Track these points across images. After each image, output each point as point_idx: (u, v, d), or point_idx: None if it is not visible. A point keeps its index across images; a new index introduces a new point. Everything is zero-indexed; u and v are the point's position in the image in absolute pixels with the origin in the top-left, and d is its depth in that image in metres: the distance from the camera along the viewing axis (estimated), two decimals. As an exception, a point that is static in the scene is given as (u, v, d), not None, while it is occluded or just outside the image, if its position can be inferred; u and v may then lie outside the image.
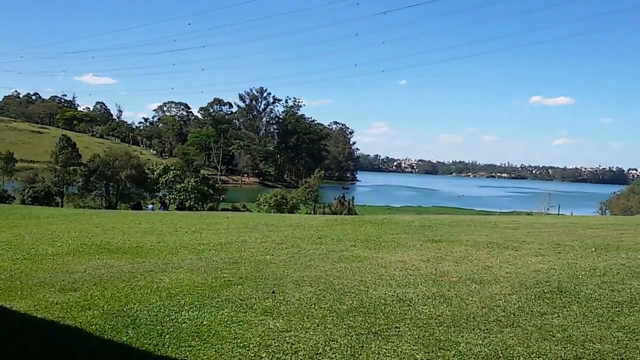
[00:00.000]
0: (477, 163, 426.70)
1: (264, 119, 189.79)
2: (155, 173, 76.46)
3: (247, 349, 4.94)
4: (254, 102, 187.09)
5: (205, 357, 4.77)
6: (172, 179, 75.21)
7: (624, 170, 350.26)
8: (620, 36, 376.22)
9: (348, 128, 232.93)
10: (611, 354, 4.86)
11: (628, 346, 5.07)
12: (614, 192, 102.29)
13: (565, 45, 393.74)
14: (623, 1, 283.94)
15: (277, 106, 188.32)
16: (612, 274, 8.27)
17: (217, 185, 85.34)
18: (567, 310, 6.24)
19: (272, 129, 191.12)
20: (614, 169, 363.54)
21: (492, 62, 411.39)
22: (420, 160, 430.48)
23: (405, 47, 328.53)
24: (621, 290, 7.26)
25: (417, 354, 4.85)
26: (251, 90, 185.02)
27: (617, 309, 6.32)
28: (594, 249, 10.85)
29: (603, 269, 8.67)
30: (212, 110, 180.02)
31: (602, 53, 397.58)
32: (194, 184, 72.30)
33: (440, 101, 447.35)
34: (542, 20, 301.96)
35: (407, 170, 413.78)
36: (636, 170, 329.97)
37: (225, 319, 5.74)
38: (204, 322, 5.64)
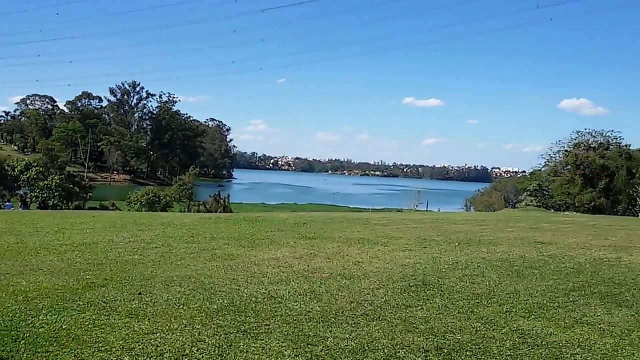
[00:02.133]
0: (353, 161, 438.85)
1: (137, 115, 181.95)
2: (16, 170, 71.50)
3: (110, 353, 4.70)
4: (125, 97, 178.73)
5: (63, 363, 4.49)
6: (35, 176, 70.77)
7: (488, 169, 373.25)
8: (487, 42, 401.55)
9: (225, 125, 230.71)
10: (470, 344, 5.11)
11: (485, 336, 5.35)
12: (479, 190, 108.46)
13: (435, 50, 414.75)
14: (490, 9, 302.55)
15: (151, 101, 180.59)
16: (473, 268, 8.76)
17: (84, 182, 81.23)
18: (431, 303, 6.51)
19: (145, 125, 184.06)
20: (479, 168, 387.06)
21: (369, 63, 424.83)
22: (297, 158, 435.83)
23: (284, 45, 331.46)
24: (481, 283, 7.71)
25: (286, 350, 4.85)
26: (123, 84, 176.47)
27: (477, 300, 6.68)
28: (457, 244, 11.45)
29: (465, 263, 9.16)
30: (80, 105, 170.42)
31: (469, 58, 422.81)
32: (58, 181, 68.39)
33: (319, 100, 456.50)
34: (415, 24, 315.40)
35: (284, 168, 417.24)
36: (499, 169, 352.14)
37: (87, 323, 5.43)
38: (64, 327, 5.30)
